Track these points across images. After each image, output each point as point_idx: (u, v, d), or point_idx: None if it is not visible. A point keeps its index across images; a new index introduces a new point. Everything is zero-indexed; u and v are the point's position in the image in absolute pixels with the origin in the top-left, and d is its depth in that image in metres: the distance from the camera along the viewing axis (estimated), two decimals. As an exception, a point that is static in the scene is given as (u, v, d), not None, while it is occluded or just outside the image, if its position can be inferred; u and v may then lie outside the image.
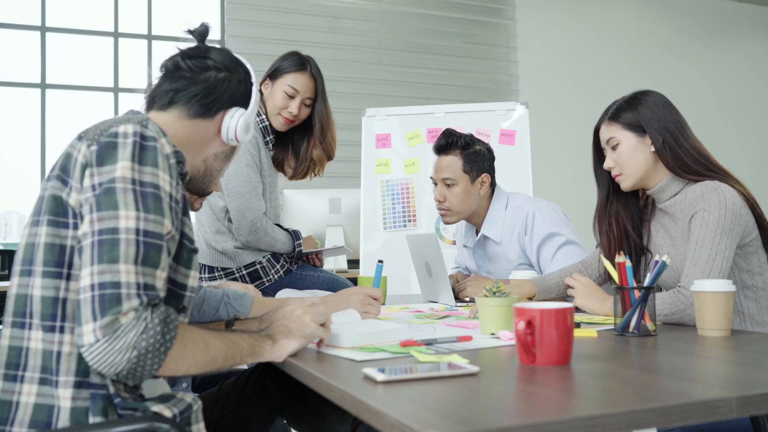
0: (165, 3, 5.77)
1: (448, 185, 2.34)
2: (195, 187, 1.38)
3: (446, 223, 2.39)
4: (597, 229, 1.91)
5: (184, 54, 1.34)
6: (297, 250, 2.49)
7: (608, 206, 1.88)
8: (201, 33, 1.38)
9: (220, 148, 1.36)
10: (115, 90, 5.65)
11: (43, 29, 5.47)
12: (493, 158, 2.40)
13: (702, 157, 1.74)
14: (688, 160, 1.73)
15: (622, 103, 1.80)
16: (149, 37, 5.74)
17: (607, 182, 1.88)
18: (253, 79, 1.39)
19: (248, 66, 1.39)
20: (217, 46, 1.41)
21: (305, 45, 5.61)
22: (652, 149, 1.75)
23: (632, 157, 1.76)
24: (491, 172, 2.38)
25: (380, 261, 1.86)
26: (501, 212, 2.35)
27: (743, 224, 1.64)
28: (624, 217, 1.86)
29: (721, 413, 0.86)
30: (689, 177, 1.73)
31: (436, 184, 2.39)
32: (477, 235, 2.43)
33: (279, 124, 2.46)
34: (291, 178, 2.59)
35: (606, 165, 1.81)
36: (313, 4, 6.00)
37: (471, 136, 2.39)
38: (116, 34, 5.68)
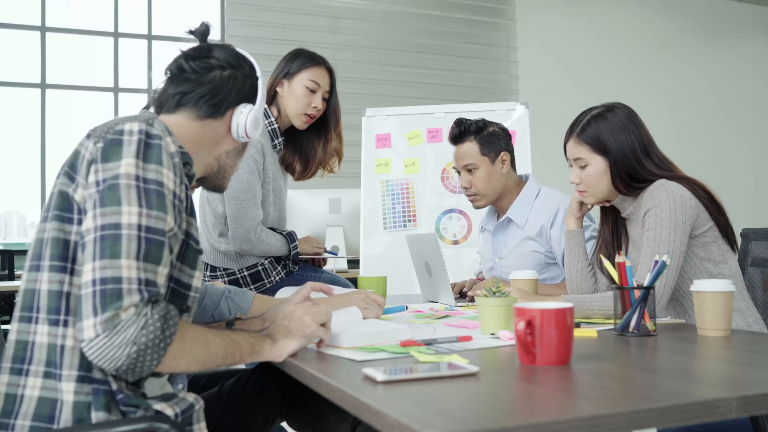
0: (165, 3, 5.77)
1: (470, 170, 2.39)
2: (211, 185, 1.40)
3: (477, 207, 2.45)
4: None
5: (187, 55, 1.34)
6: (293, 252, 2.47)
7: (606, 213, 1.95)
8: (202, 33, 1.38)
9: (231, 145, 1.38)
10: (115, 90, 5.65)
11: (43, 29, 5.47)
12: (508, 136, 2.46)
13: (656, 175, 1.76)
14: (637, 184, 1.78)
15: (590, 118, 1.82)
16: (149, 37, 5.74)
17: None
18: (258, 73, 1.39)
19: (252, 60, 1.40)
20: (219, 42, 1.41)
21: (305, 45, 5.53)
22: None
23: (599, 180, 1.81)
24: (509, 150, 2.43)
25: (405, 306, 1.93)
26: (530, 200, 2.40)
27: (694, 215, 1.69)
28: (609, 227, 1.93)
29: (721, 413, 0.86)
30: (640, 192, 1.79)
31: (459, 173, 2.44)
32: (498, 219, 2.47)
33: (301, 123, 2.42)
34: (298, 179, 2.57)
35: (571, 179, 1.87)
36: (313, 4, 6.00)
37: (483, 119, 2.44)
38: (116, 34, 5.67)
